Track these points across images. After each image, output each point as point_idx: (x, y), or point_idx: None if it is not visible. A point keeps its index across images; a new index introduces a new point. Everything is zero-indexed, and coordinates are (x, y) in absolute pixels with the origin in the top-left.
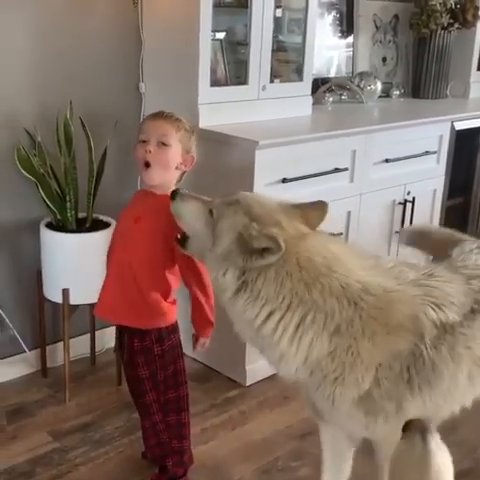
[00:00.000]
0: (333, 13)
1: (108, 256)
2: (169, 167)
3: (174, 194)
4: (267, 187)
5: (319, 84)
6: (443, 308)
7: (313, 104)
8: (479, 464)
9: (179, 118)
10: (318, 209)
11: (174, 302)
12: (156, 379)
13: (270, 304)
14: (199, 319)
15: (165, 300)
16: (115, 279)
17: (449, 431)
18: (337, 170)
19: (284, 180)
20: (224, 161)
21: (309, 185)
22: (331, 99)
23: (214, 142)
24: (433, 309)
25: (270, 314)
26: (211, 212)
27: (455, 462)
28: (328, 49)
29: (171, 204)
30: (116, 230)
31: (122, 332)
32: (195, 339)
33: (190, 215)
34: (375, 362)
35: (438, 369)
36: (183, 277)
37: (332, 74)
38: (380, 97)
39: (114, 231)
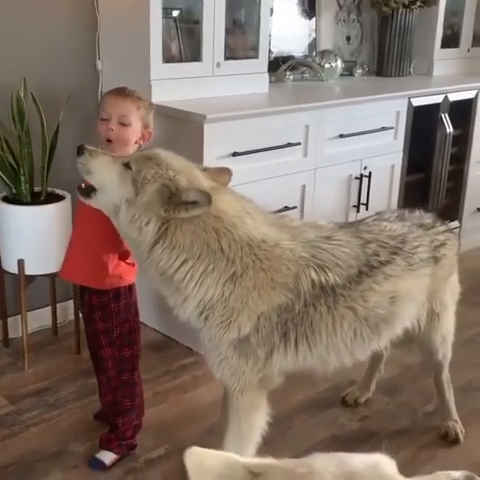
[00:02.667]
0: None
1: (73, 225)
2: (129, 143)
3: (81, 149)
4: (218, 160)
5: (280, 62)
6: (326, 270)
7: (274, 82)
8: (416, 423)
9: (139, 96)
10: (223, 174)
11: (133, 265)
12: (112, 335)
13: (185, 254)
14: None
15: (124, 261)
16: (77, 242)
17: (394, 393)
18: (290, 145)
19: (234, 154)
20: (175, 135)
21: (261, 159)
22: (291, 77)
23: (165, 117)
24: (315, 271)
25: (183, 263)
26: (127, 165)
27: (395, 420)
28: (292, 29)
29: (78, 160)
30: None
31: (83, 290)
32: None
33: (101, 168)
34: (258, 311)
35: (316, 326)
36: None
37: (295, 54)
38: (343, 75)
39: (79, 202)
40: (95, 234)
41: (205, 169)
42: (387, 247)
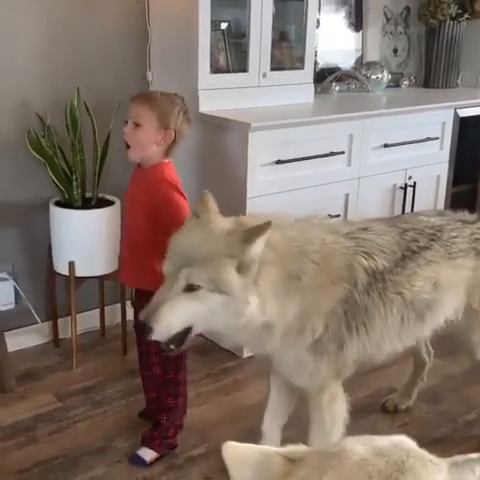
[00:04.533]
0: (345, 7)
1: (123, 228)
2: (144, 145)
3: None
4: (262, 168)
5: (326, 74)
6: (374, 256)
7: (320, 93)
8: (456, 432)
9: (155, 97)
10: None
11: None
12: None
13: (272, 299)
14: None
15: None
16: (127, 250)
17: (435, 401)
18: (333, 153)
19: (278, 162)
20: (221, 143)
21: (304, 167)
22: (337, 88)
23: (212, 125)
24: (364, 258)
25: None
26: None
27: (435, 428)
28: (338, 41)
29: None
30: (125, 201)
31: (137, 297)
32: None
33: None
34: (326, 310)
35: (370, 312)
36: None
37: (341, 65)
38: (390, 87)
39: (125, 205)
40: (139, 241)
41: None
42: (424, 234)
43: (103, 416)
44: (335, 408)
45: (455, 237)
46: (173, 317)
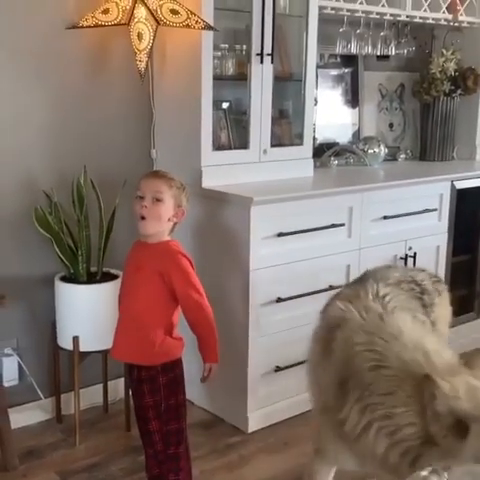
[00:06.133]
0: (342, 84)
1: (119, 302)
2: (162, 219)
3: None
4: (264, 240)
5: (325, 149)
6: None
7: (319, 167)
8: None
9: (172, 177)
10: None
11: (179, 339)
12: (160, 408)
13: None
14: (205, 346)
15: (170, 336)
16: (124, 323)
17: None
18: (334, 225)
19: (280, 234)
20: (224, 217)
21: (305, 239)
22: (336, 162)
23: (214, 200)
24: None
25: None
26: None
27: None
28: (336, 118)
29: None
30: (123, 278)
31: (132, 366)
32: (204, 369)
33: None
34: None
35: None
36: (186, 316)
37: (339, 140)
38: (387, 160)
39: (122, 279)
40: (140, 311)
41: None
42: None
43: None
44: None
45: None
46: None
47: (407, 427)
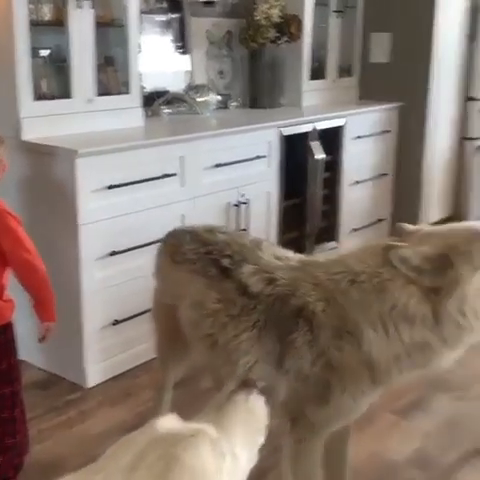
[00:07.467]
0: (170, 30)
1: None
2: None
3: None
4: (93, 193)
5: (155, 97)
6: None
7: (150, 116)
8: None
9: None
10: None
11: (9, 301)
12: None
13: None
14: (41, 306)
15: (0, 299)
16: None
17: None
18: (166, 175)
19: (110, 187)
20: (49, 171)
21: (138, 191)
22: (168, 111)
23: (38, 153)
24: None
25: None
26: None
27: None
28: (166, 65)
29: None
30: None
31: None
32: (41, 329)
33: None
34: None
35: None
36: (19, 277)
37: (171, 89)
38: (219, 108)
39: None
40: None
41: None
42: None
43: None
44: None
45: None
46: None
47: None
